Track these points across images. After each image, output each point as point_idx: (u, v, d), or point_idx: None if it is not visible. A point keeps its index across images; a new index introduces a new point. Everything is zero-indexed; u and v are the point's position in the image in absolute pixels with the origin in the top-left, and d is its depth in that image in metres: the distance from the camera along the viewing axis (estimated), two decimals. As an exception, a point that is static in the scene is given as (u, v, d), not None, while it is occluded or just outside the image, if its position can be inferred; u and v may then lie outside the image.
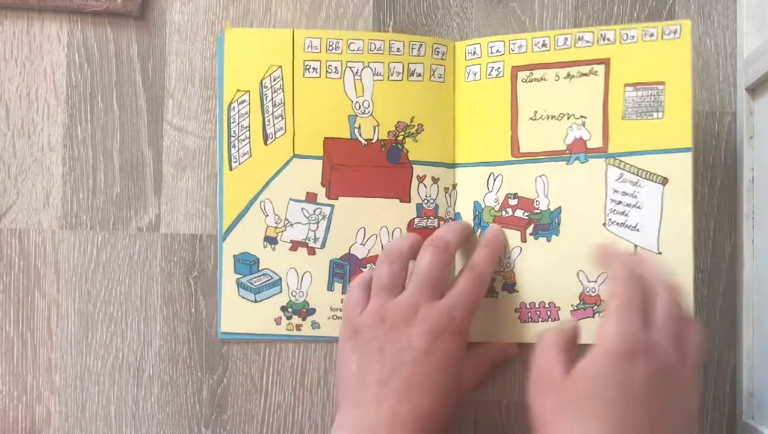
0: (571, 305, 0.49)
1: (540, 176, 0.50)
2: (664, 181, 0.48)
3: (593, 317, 0.49)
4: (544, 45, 0.49)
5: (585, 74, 0.49)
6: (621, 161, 0.48)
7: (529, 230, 0.50)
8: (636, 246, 0.48)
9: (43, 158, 0.51)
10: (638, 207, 0.48)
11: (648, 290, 0.42)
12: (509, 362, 0.51)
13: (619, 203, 0.48)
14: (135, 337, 0.51)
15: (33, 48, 0.51)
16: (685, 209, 0.47)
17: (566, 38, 0.49)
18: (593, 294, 0.49)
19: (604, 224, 0.49)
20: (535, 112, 0.49)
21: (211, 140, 0.51)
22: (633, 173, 0.48)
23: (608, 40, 0.48)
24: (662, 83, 0.48)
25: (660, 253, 0.48)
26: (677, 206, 0.47)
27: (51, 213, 0.51)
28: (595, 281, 0.49)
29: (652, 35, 0.48)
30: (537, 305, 0.50)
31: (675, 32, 0.48)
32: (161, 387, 0.51)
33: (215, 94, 0.51)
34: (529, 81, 0.49)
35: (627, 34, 0.48)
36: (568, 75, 0.49)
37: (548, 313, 0.50)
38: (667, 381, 0.39)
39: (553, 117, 0.49)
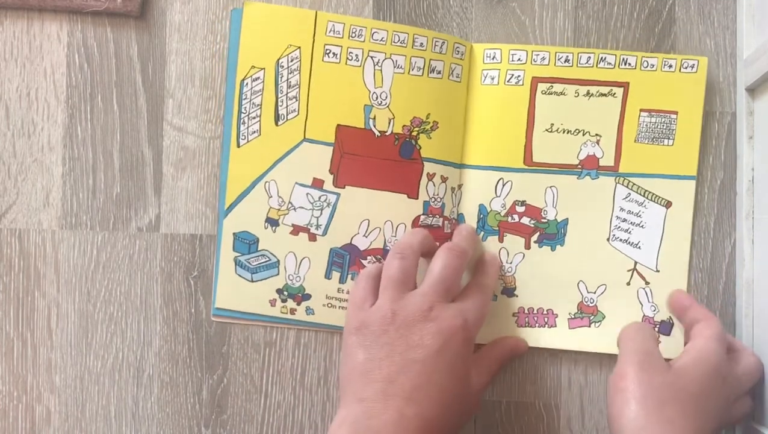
0: (569, 313, 0.50)
1: (550, 187, 0.50)
2: (668, 204, 0.50)
3: (589, 326, 0.50)
4: (566, 60, 0.50)
5: (604, 94, 0.50)
6: (630, 181, 0.50)
7: (534, 238, 0.50)
8: (636, 262, 0.50)
9: (43, 158, 0.51)
10: (642, 226, 0.50)
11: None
12: (518, 357, 0.51)
13: (624, 220, 0.50)
14: (135, 337, 0.51)
15: (33, 48, 0.51)
16: (685, 232, 0.50)
17: (589, 57, 0.50)
18: (591, 304, 0.50)
19: (607, 239, 0.50)
20: (552, 124, 0.50)
21: (211, 139, 0.51)
22: (640, 194, 0.50)
23: (629, 65, 0.50)
24: (675, 113, 0.50)
25: (657, 271, 0.50)
26: (678, 229, 0.50)
27: (51, 213, 0.51)
28: (594, 292, 0.50)
29: (670, 66, 0.50)
30: (535, 311, 0.50)
31: (692, 66, 0.50)
32: (161, 387, 0.51)
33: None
34: (549, 93, 0.50)
35: (647, 62, 0.50)
36: (588, 93, 0.50)
37: (545, 319, 0.50)
38: (732, 401, 0.46)
39: (568, 132, 0.50)
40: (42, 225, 0.51)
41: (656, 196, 0.50)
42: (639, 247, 0.50)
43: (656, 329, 0.50)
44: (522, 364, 0.51)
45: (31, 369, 0.51)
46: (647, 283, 0.50)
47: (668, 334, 0.50)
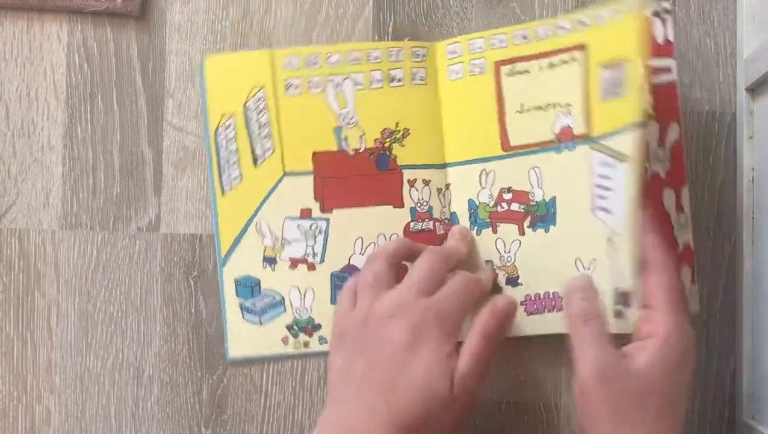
0: None
1: (533, 168, 0.49)
2: (627, 159, 0.45)
3: None
4: (524, 37, 0.49)
5: (566, 62, 0.48)
6: (601, 144, 0.47)
7: (527, 222, 0.50)
8: (610, 229, 0.46)
9: (43, 158, 0.51)
10: (612, 189, 0.47)
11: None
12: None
13: (603, 187, 0.48)
14: (135, 337, 0.51)
15: (33, 48, 0.51)
16: (632, 184, 0.44)
17: (546, 29, 0.49)
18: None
19: (591, 210, 0.48)
20: (522, 104, 0.49)
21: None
22: (609, 156, 0.47)
23: (584, 24, 0.48)
24: (627, 59, 0.46)
25: (622, 233, 0.45)
26: (630, 183, 0.44)
27: (51, 213, 0.51)
28: (589, 269, 0.48)
29: (619, 12, 0.46)
30: (542, 296, 0.50)
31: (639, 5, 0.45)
32: (161, 387, 0.51)
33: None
34: (513, 74, 0.49)
35: (599, 15, 0.47)
36: (550, 65, 0.48)
37: (553, 303, 0.49)
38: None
39: (540, 108, 0.49)
40: (42, 225, 0.51)
41: (620, 153, 0.46)
42: (612, 212, 0.47)
43: (616, 303, 0.45)
44: (522, 364, 0.51)
45: (31, 369, 0.51)
46: (616, 250, 0.46)
47: (629, 306, 0.45)
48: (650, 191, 0.48)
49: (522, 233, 0.50)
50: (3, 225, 0.51)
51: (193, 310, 0.51)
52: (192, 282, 0.51)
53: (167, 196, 0.51)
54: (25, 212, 0.51)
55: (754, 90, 0.50)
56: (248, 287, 0.50)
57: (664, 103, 0.49)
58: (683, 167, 0.49)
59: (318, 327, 0.50)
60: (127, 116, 0.51)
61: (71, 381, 0.51)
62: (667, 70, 0.48)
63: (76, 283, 0.51)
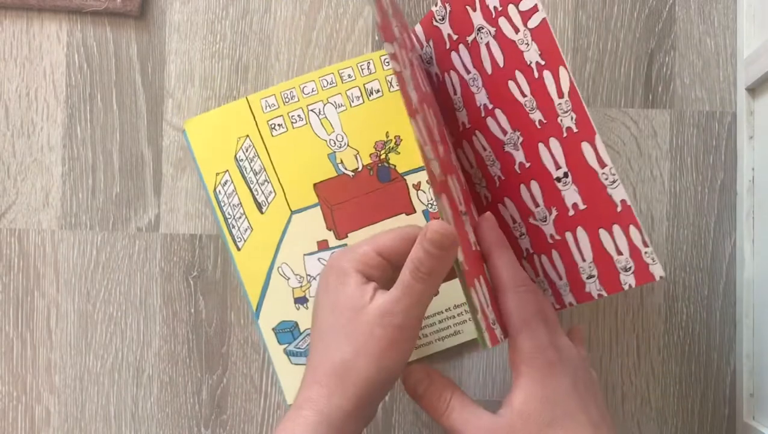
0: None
1: None
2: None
3: None
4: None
5: None
6: None
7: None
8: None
9: (42, 158, 0.51)
10: None
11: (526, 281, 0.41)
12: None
13: None
14: (135, 337, 0.51)
15: (33, 48, 0.51)
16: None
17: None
18: None
19: None
20: None
21: (211, 139, 0.51)
22: None
23: None
24: None
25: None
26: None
27: (50, 213, 0.51)
28: None
29: None
30: None
31: None
32: (161, 387, 0.51)
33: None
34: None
35: None
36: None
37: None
38: (579, 367, 0.40)
39: None
40: (41, 225, 0.51)
41: None
42: None
43: None
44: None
45: (31, 369, 0.51)
46: None
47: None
48: (570, 149, 0.42)
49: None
50: (3, 225, 0.51)
51: (192, 310, 0.51)
52: (192, 282, 0.51)
53: (167, 196, 0.51)
54: (25, 212, 0.51)
55: (754, 90, 0.50)
56: (287, 331, 0.50)
57: (546, 48, 0.41)
58: (586, 114, 0.40)
59: None
60: (126, 116, 0.51)
61: (71, 381, 0.51)
62: (534, 10, 0.40)
63: (76, 283, 0.51)
